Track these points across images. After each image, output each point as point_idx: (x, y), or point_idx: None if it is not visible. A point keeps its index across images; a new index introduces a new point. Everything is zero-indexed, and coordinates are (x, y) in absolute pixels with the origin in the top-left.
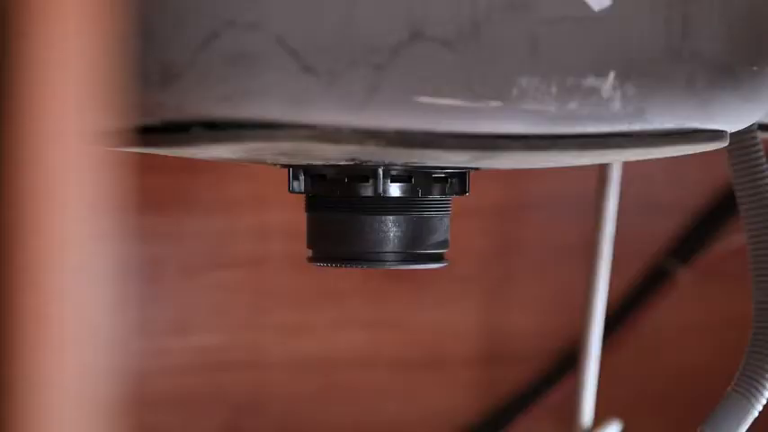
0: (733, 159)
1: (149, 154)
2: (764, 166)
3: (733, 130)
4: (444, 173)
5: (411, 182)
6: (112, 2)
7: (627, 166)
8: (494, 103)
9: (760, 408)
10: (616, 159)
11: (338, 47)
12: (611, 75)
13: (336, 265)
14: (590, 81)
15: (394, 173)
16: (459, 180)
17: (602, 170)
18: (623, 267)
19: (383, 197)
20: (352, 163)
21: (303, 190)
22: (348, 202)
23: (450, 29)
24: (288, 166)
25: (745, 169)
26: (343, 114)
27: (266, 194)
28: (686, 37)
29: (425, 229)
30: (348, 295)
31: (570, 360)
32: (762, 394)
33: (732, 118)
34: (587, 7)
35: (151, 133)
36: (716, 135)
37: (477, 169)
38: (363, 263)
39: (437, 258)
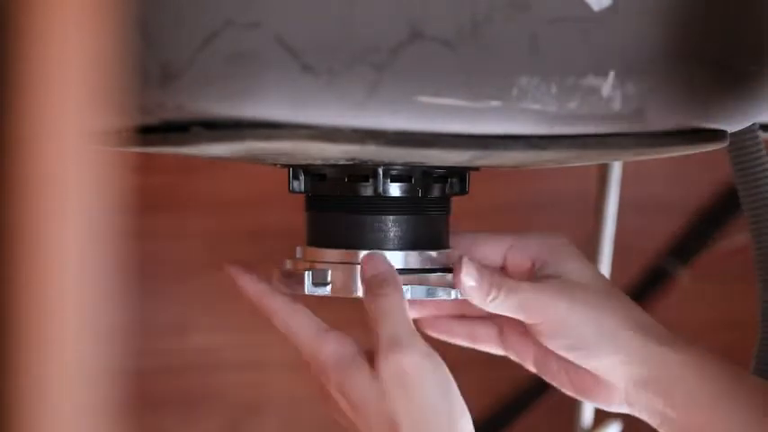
0: (735, 159)
1: (149, 154)
2: (767, 166)
3: (733, 130)
4: (444, 172)
5: (411, 181)
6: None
7: (627, 166)
8: (494, 103)
9: None
10: (616, 159)
11: (338, 46)
12: (611, 74)
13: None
14: (590, 81)
15: (394, 172)
16: (459, 180)
17: (602, 170)
18: (623, 267)
19: (383, 197)
20: (351, 162)
21: (303, 190)
22: (348, 202)
23: (450, 29)
24: (288, 166)
25: (747, 169)
26: (343, 114)
27: (266, 194)
28: (686, 37)
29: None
30: None
31: None
32: None
33: (732, 118)
34: (587, 7)
35: (151, 133)
36: (716, 135)
37: (477, 169)
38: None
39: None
